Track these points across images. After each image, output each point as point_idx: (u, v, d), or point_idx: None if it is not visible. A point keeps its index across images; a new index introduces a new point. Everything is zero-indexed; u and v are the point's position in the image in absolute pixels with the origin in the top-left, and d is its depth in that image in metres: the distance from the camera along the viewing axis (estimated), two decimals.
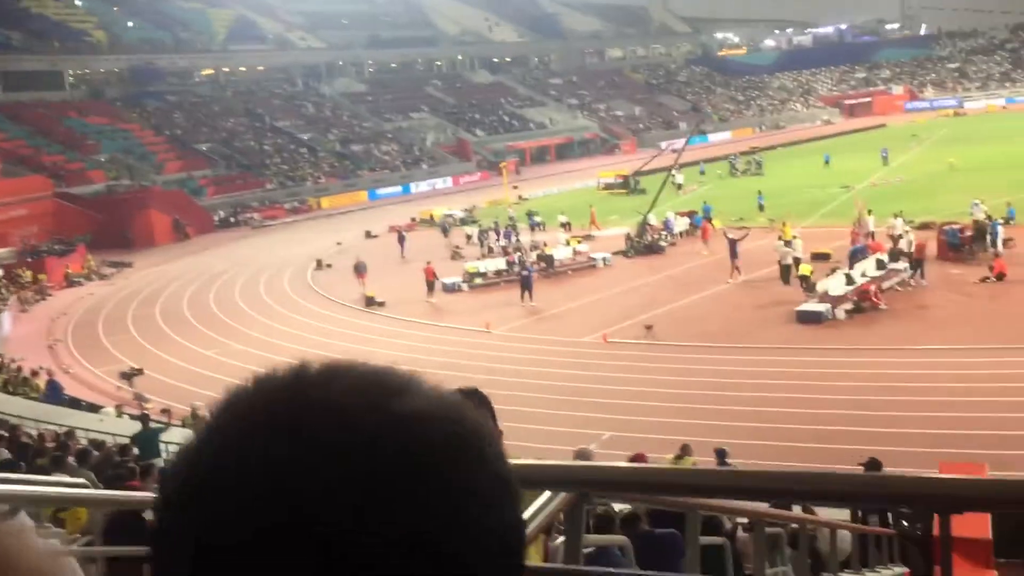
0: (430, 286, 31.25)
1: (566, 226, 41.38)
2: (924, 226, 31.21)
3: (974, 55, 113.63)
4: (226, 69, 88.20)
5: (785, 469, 1.92)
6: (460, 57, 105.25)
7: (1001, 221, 29.02)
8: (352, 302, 31.90)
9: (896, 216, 29.94)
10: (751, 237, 33.93)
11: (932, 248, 28.23)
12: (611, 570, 3.69)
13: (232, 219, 60.56)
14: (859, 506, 1.71)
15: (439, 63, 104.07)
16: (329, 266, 39.75)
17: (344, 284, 34.56)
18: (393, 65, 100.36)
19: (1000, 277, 25.15)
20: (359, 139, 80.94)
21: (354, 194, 70.05)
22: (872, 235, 29.96)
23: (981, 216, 29.87)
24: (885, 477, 1.81)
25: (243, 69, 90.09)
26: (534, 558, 2.90)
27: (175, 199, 58.17)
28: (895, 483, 1.80)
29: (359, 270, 33.89)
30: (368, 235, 47.92)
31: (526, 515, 2.04)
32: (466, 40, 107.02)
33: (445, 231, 44.21)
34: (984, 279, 25.34)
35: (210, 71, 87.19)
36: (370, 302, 31.11)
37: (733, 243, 28.96)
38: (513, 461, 2.00)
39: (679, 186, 50.43)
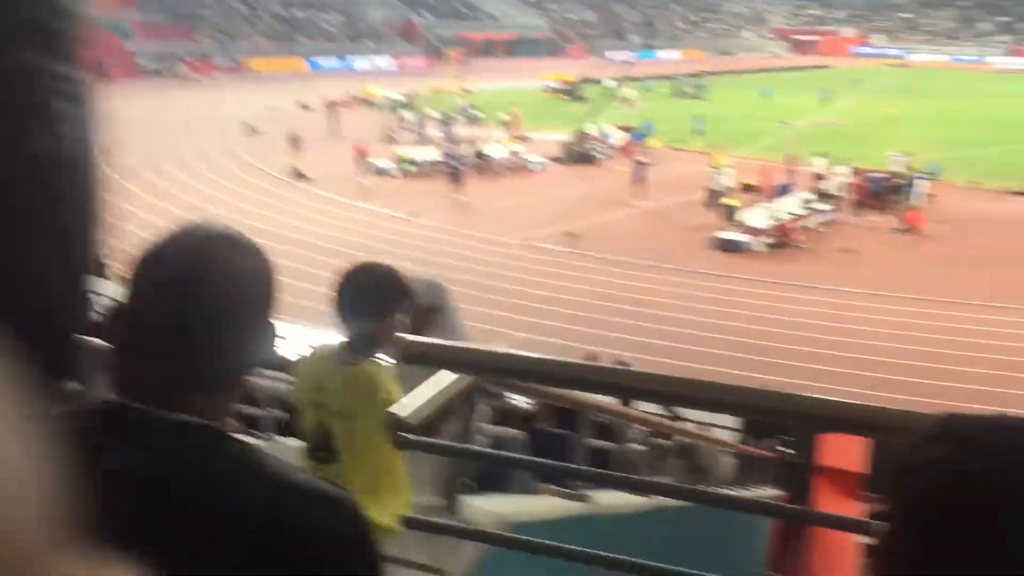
0: (360, 165, 30.82)
1: (506, 124, 40.93)
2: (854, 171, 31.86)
3: (927, 7, 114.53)
4: None
5: (669, 375, 2.02)
6: None
7: (925, 175, 29.74)
8: (279, 172, 31.25)
9: (827, 158, 30.46)
10: (686, 159, 34.22)
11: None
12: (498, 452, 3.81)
13: (159, 68, 58.14)
14: (735, 413, 1.84)
15: None
16: (260, 132, 38.69)
17: (274, 153, 33.74)
18: None
19: (913, 229, 25.98)
20: (302, 4, 77.96)
21: (290, 59, 67.88)
22: (798, 172, 30.48)
23: (898, 168, 30.50)
24: (765, 391, 1.89)
25: None
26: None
27: (101, 38, 55.39)
28: (772, 397, 1.89)
29: (295, 143, 33.10)
30: (303, 106, 46.66)
31: (423, 394, 2.10)
32: None
33: (381, 111, 43.27)
34: (898, 230, 26.15)
35: None
36: (297, 175, 30.52)
37: (642, 167, 29.23)
38: (409, 337, 2.03)
39: (625, 100, 50.23)
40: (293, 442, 4.87)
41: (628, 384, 2.07)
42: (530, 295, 19.90)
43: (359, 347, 2.81)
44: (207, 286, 1.17)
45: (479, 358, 2.16)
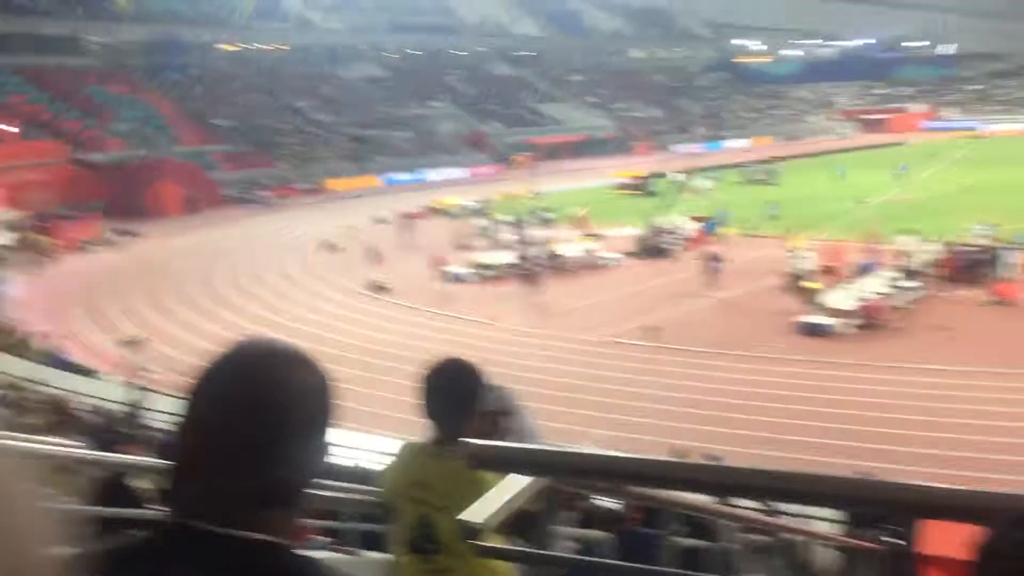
0: (440, 274, 31.40)
1: (578, 222, 41.29)
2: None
3: (998, 78, 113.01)
4: (248, 46, 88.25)
5: (760, 467, 1.92)
6: (481, 48, 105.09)
7: (1014, 246, 28.85)
8: (359, 286, 31.93)
9: (911, 234, 29.83)
10: (762, 246, 33.88)
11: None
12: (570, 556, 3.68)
13: (244, 195, 60.65)
14: (833, 505, 1.72)
15: (460, 53, 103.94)
16: (339, 248, 39.78)
17: (353, 267, 34.58)
18: (413, 52, 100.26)
19: (1006, 301, 25.05)
20: (375, 124, 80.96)
21: (366, 178, 70.12)
22: (882, 251, 29.86)
23: (984, 240, 29.72)
24: (863, 479, 1.78)
25: (264, 47, 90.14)
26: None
27: (189, 171, 58.24)
28: (871, 487, 1.78)
29: (373, 256, 33.95)
30: (380, 220, 47.93)
31: (496, 499, 2.05)
32: (487, 31, 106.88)
33: (455, 219, 44.07)
34: (990, 302, 25.24)
35: (232, 47, 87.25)
36: (377, 288, 31.13)
37: (715, 258, 28.92)
38: (476, 441, 1.98)
39: (694, 190, 50.34)
40: (378, 555, 4.82)
41: (708, 479, 1.97)
42: (614, 392, 19.65)
43: (453, 441, 2.80)
44: (268, 402, 1.19)
45: (546, 458, 2.10)
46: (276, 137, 73.26)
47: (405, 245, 40.05)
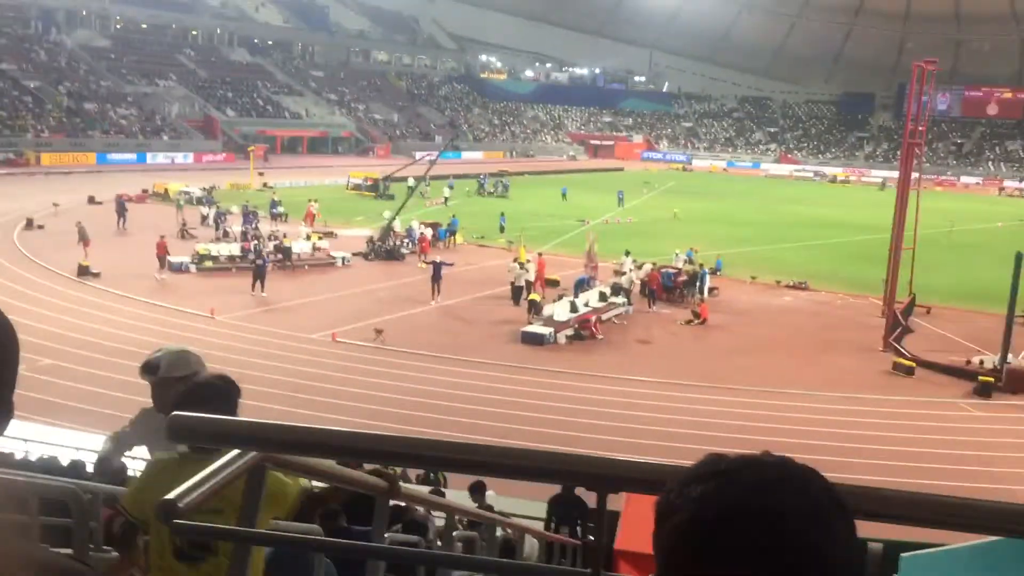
0: (161, 261, 29.69)
1: (308, 219, 40.53)
2: (641, 266, 33.66)
3: (706, 117, 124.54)
4: None
5: (467, 441, 1.98)
6: (219, 31, 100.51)
7: (709, 270, 31.93)
8: (63, 270, 29.40)
9: (626, 254, 32.05)
10: (492, 255, 35.01)
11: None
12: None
13: None
14: (535, 479, 1.81)
15: (195, 32, 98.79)
16: (41, 227, 36.50)
17: (57, 249, 31.82)
18: (144, 25, 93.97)
19: (702, 321, 27.63)
20: (94, 97, 75.03)
21: (81, 154, 64.88)
22: (597, 267, 31.85)
23: (682, 264, 32.63)
24: (558, 453, 1.94)
25: None
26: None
27: None
28: (564, 459, 1.93)
29: (82, 236, 31.31)
30: (92, 200, 44.46)
31: (201, 477, 1.99)
32: (227, 14, 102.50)
33: (179, 207, 41.77)
34: (689, 321, 27.71)
35: None
36: (83, 271, 28.83)
37: (438, 267, 28.97)
38: (178, 413, 1.92)
39: (427, 197, 51.12)
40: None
41: (426, 453, 2.03)
42: (334, 391, 19.51)
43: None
44: None
45: (257, 431, 2.04)
46: None
47: (120, 230, 37.48)
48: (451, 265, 29.98)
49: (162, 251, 29.98)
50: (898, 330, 26.57)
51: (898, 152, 50.83)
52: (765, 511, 0.92)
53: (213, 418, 2.04)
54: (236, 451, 2.12)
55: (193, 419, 2.01)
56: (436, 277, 28.54)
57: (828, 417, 19.51)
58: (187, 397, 3.12)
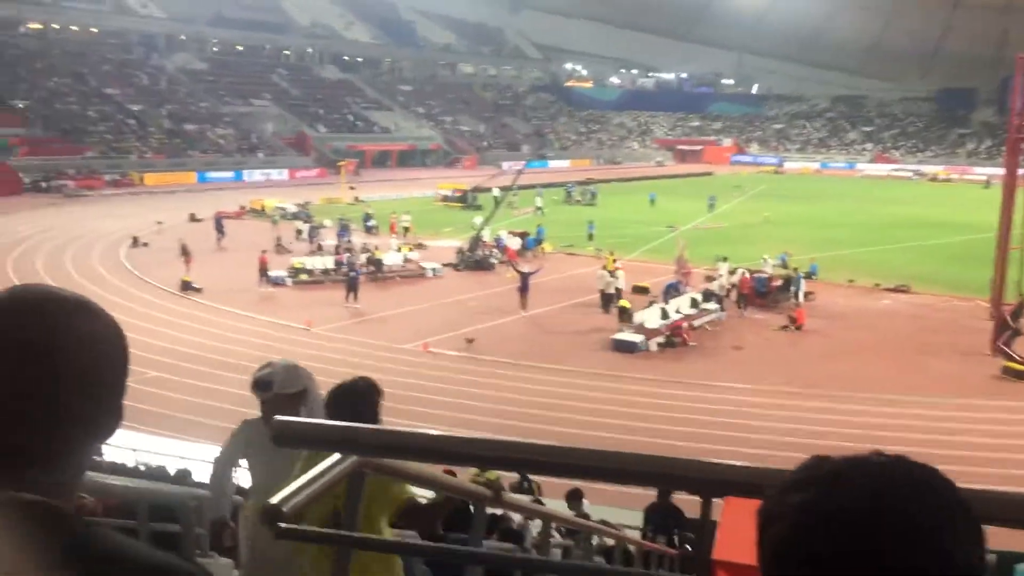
0: (263, 275, 30.79)
1: (407, 230, 41.24)
2: (734, 272, 33.10)
3: (797, 119, 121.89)
4: (56, 25, 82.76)
5: (565, 445, 1.96)
6: (310, 50, 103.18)
7: (804, 274, 31.19)
8: (167, 285, 30.52)
9: (723, 260, 31.59)
10: (581, 263, 34.91)
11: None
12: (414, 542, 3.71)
13: (44, 184, 56.73)
14: (636, 483, 1.77)
15: (287, 52, 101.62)
16: (146, 244, 37.95)
17: (161, 266, 33.05)
18: (239, 47, 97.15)
19: (798, 327, 26.98)
20: (194, 118, 77.80)
21: (182, 174, 67.31)
22: (688, 273, 31.48)
23: (771, 269, 31.83)
24: (661, 457, 1.91)
25: (75, 28, 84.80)
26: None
27: None
28: (665, 463, 1.90)
29: (185, 252, 32.50)
30: (193, 218, 46.04)
31: (302, 481, 2.02)
32: (318, 33, 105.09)
33: (274, 222, 42.95)
34: (784, 327, 27.10)
35: (38, 25, 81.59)
36: (186, 286, 29.87)
37: (525, 277, 28.77)
38: (280, 418, 1.95)
39: (517, 207, 51.36)
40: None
41: (512, 456, 2.03)
42: (427, 400, 19.71)
43: None
44: (42, 349, 1.06)
45: (355, 435, 2.07)
46: (84, 124, 69.01)
47: (220, 245, 38.71)
48: (537, 272, 29.84)
49: (263, 266, 31.03)
50: (1007, 333, 25.43)
51: (1002, 148, 48.78)
52: (878, 515, 0.86)
53: (315, 422, 2.10)
54: (337, 455, 2.15)
55: (296, 424, 2.06)
56: (524, 288, 28.47)
57: (934, 424, 18.81)
58: (336, 399, 3.27)
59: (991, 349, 24.36)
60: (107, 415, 1.13)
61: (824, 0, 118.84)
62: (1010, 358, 23.39)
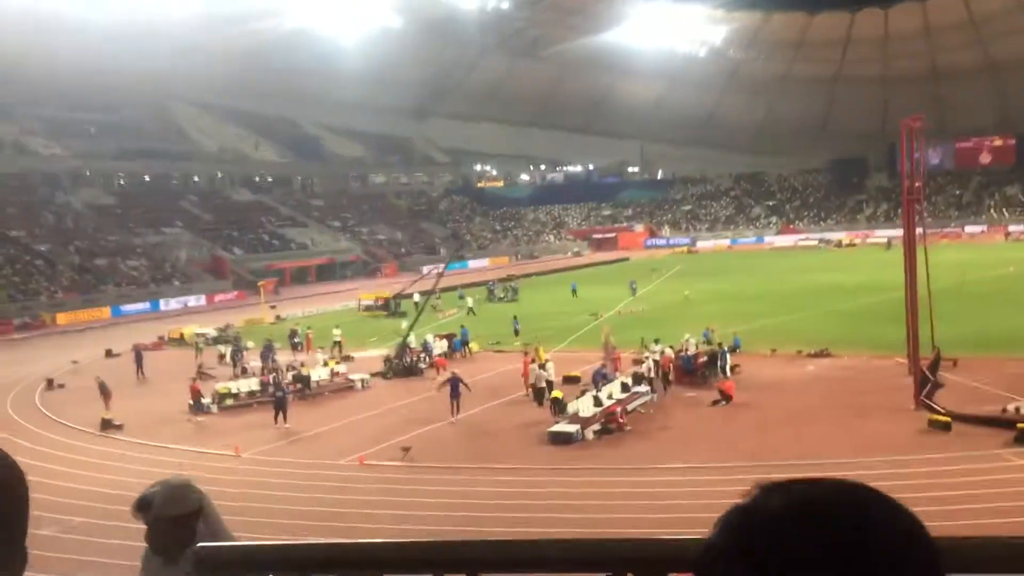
0: (196, 403, 30.34)
1: (338, 344, 40.83)
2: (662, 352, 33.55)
3: (704, 199, 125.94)
4: None
5: (508, 539, 1.90)
6: (219, 174, 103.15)
7: (728, 348, 31.76)
8: (86, 425, 29.40)
9: (656, 342, 31.96)
10: (508, 359, 34.93)
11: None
12: None
13: None
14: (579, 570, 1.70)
15: (196, 179, 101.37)
16: (62, 386, 36.66)
17: (78, 405, 31.88)
18: (146, 178, 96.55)
19: (728, 399, 27.31)
20: (103, 253, 76.53)
21: (95, 310, 65.76)
22: (617, 359, 31.75)
23: (694, 347, 32.32)
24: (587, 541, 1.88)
25: None
26: None
27: None
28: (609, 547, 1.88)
29: (103, 391, 31.47)
30: (109, 354, 44.79)
31: None
32: (225, 157, 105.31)
33: (198, 350, 42.06)
34: (716, 402, 27.40)
35: None
36: (106, 424, 28.83)
37: (455, 382, 27.81)
38: (203, 544, 1.85)
39: (439, 310, 51.41)
40: None
41: (473, 556, 1.96)
42: (368, 516, 19.20)
43: None
44: None
45: (285, 554, 1.95)
46: None
47: (138, 379, 37.67)
48: (467, 387, 28.43)
49: (195, 395, 30.49)
50: (928, 386, 26.21)
51: (898, 210, 51.15)
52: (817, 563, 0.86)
53: (243, 545, 1.95)
54: None
55: (222, 548, 1.93)
56: (454, 394, 27.69)
57: (876, 483, 18.99)
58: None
59: (915, 404, 24.99)
60: (5, 556, 1.10)
61: (713, 88, 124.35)
62: (934, 411, 24.02)
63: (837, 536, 0.88)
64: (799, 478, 0.99)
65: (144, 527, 3.20)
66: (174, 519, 3.07)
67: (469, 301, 53.60)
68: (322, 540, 1.91)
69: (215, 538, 3.05)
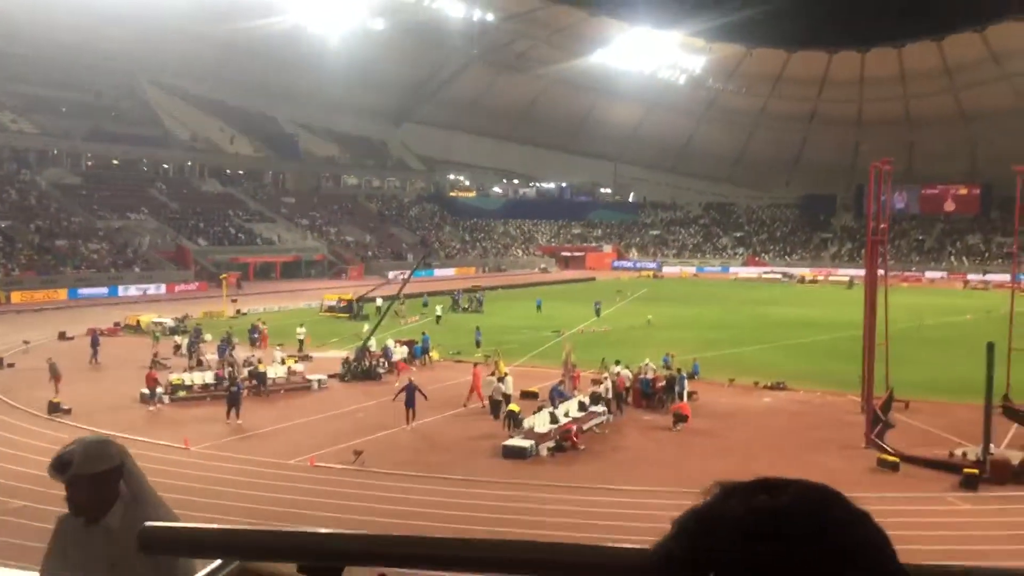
0: (152, 393, 29.80)
1: (302, 343, 40.52)
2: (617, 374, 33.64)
3: (673, 225, 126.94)
4: None
5: (462, 537, 1.87)
6: (190, 163, 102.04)
7: (687, 374, 31.95)
8: (34, 408, 28.87)
9: (616, 363, 32.06)
10: (468, 370, 34.85)
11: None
12: None
13: None
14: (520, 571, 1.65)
15: (166, 166, 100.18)
16: (11, 365, 36.00)
17: (27, 387, 31.32)
18: (115, 161, 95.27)
19: (684, 418, 27.46)
20: (65, 234, 75.29)
21: (52, 291, 64.70)
22: (576, 377, 31.81)
23: (650, 372, 32.36)
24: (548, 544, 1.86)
25: None
26: None
27: None
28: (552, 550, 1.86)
29: (53, 373, 30.92)
30: (62, 336, 44.06)
31: None
32: (198, 147, 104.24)
33: (155, 339, 41.48)
34: (676, 422, 27.53)
35: None
36: (54, 408, 28.33)
37: (411, 390, 27.80)
38: (150, 524, 1.82)
39: (403, 316, 51.23)
40: None
41: (425, 552, 1.94)
42: (314, 518, 19.01)
43: None
44: None
45: (237, 539, 1.90)
46: None
47: (92, 364, 37.08)
48: (424, 395, 28.45)
49: (151, 383, 30.03)
50: (879, 426, 26.55)
51: (862, 250, 51.87)
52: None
53: (186, 527, 1.90)
54: (216, 563, 2.00)
55: (168, 529, 1.88)
56: (410, 401, 27.62)
57: None
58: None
59: (866, 442, 25.30)
60: None
61: (690, 115, 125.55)
62: (883, 450, 24.33)
63: (799, 552, 0.86)
64: (760, 480, 0.95)
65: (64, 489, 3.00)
66: (93, 476, 2.93)
67: (438, 309, 53.52)
68: (270, 528, 1.87)
69: (138, 499, 2.93)
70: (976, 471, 22.04)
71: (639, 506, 20.12)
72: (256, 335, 42.77)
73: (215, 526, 1.88)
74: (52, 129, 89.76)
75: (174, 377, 32.06)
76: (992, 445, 23.05)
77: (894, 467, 23.02)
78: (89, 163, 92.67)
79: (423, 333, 42.08)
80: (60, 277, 67.76)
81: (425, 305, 57.45)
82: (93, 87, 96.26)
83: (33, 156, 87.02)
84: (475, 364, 33.37)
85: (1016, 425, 26.65)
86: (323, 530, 1.90)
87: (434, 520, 18.81)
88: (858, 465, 23.61)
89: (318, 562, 2.20)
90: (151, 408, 29.52)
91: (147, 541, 1.74)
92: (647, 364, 32.90)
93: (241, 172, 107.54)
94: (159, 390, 30.54)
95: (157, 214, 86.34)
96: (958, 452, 23.78)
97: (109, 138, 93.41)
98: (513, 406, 27.30)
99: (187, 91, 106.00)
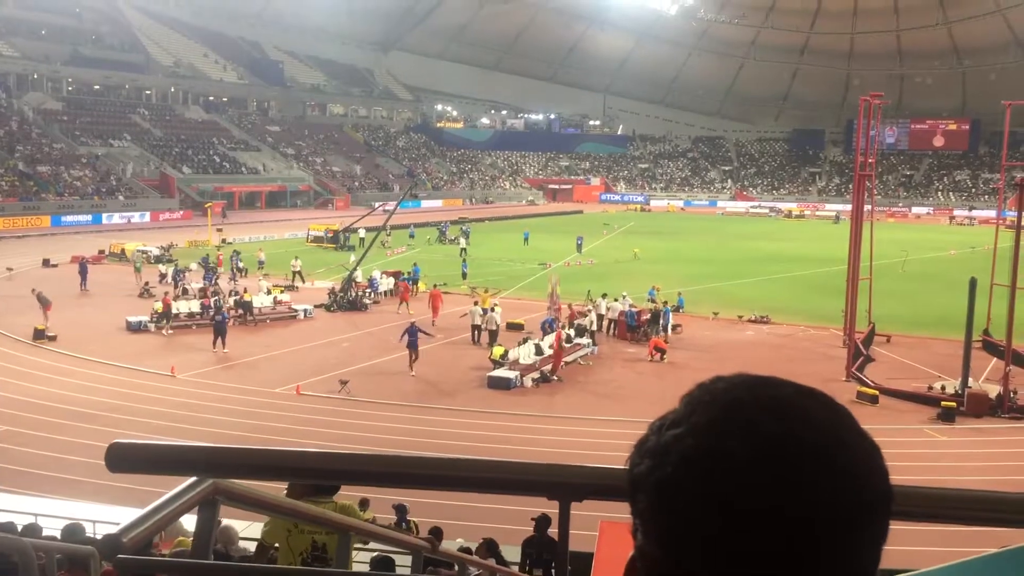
0: (167, 316, 30.33)
1: (296, 274, 40.18)
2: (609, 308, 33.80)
3: (661, 158, 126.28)
4: None
5: (429, 456, 1.90)
6: (173, 89, 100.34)
7: (672, 308, 32.12)
8: (19, 334, 28.83)
9: (603, 296, 32.16)
10: (455, 301, 34.88)
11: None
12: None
13: None
14: (494, 491, 1.69)
15: (148, 92, 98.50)
16: None
17: (12, 314, 31.23)
18: (96, 87, 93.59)
19: (663, 352, 27.72)
20: (48, 160, 74.31)
21: (35, 218, 64.16)
22: (560, 309, 31.92)
23: (626, 305, 32.26)
24: (517, 463, 1.88)
25: None
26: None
27: None
28: (522, 469, 1.89)
29: (42, 301, 30.72)
30: (46, 263, 43.82)
31: (146, 510, 1.90)
32: (181, 73, 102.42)
33: (137, 268, 41.27)
34: (655, 353, 27.79)
35: None
36: (39, 335, 28.28)
37: (414, 332, 26.42)
38: (118, 441, 1.84)
39: (389, 247, 51.07)
40: None
41: (391, 471, 1.96)
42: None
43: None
44: None
45: (200, 456, 1.94)
46: None
47: (77, 291, 36.93)
48: (429, 335, 28.12)
49: (167, 308, 30.63)
50: (860, 359, 26.86)
51: (850, 186, 51.84)
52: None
53: (155, 444, 1.92)
54: (189, 481, 2.03)
55: (133, 446, 1.90)
56: (413, 344, 25.96)
57: None
58: None
59: (846, 375, 25.62)
60: None
61: (681, 47, 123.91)
62: (863, 383, 24.65)
63: (804, 490, 0.77)
64: (762, 394, 0.85)
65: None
66: None
67: (462, 241, 52.07)
68: (236, 446, 1.88)
69: None
70: (954, 404, 22.40)
71: (621, 436, 20.32)
72: (240, 264, 42.35)
73: (185, 444, 1.90)
74: (32, 53, 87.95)
75: (158, 305, 31.98)
76: (971, 379, 23.40)
77: (873, 400, 23.35)
78: (70, 88, 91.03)
79: (414, 264, 42.01)
80: (43, 204, 67.13)
81: (412, 236, 57.22)
82: (72, 9, 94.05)
83: (13, 80, 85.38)
84: (435, 286, 35.00)
85: (995, 359, 27.04)
86: (289, 448, 1.92)
87: (416, 447, 19.04)
88: (838, 398, 23.05)
89: (294, 479, 2.23)
90: (165, 333, 29.95)
91: (113, 458, 1.75)
92: (625, 297, 32.96)
93: (225, 99, 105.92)
94: (144, 317, 30.54)
95: (140, 141, 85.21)
96: (937, 385, 24.14)
97: (90, 63, 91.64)
98: (498, 348, 26.73)
99: (169, 15, 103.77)
